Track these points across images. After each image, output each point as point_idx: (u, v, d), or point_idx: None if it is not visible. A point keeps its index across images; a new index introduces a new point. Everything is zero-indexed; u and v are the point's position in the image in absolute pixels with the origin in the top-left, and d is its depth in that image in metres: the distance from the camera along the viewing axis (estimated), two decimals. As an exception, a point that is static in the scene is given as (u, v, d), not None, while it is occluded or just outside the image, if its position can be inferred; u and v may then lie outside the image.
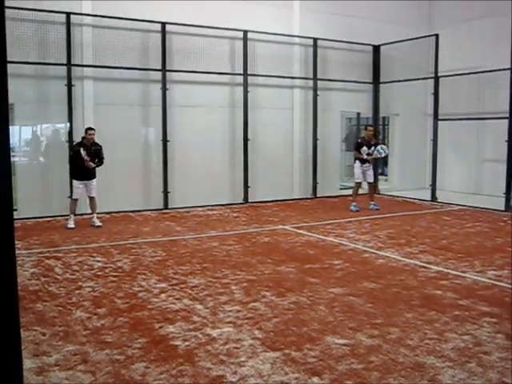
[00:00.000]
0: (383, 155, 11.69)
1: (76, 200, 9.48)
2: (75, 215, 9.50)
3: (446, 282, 6.09)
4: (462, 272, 6.52)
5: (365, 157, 11.29)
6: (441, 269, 6.67)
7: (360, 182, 11.61)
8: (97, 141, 9.48)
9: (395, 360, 3.94)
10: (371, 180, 11.71)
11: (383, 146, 11.79)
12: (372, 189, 11.87)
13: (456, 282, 6.10)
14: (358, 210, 11.21)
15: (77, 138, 10.40)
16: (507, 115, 11.11)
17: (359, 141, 11.65)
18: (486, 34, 12.95)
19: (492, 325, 4.67)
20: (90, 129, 9.44)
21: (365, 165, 11.40)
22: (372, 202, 11.57)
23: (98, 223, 9.50)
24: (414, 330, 4.56)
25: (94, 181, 9.57)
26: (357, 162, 11.48)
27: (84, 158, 9.17)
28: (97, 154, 9.42)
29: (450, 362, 3.90)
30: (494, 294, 5.66)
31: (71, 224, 9.27)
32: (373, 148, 11.32)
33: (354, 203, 11.40)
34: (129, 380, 3.63)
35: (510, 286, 5.91)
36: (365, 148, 11.32)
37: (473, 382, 3.61)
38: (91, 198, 9.61)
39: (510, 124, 11.09)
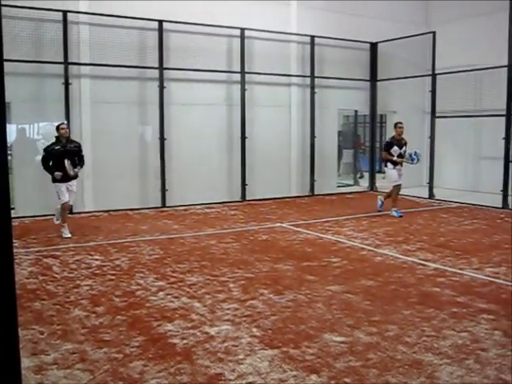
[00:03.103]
0: (415, 163, 10.52)
1: (66, 203, 8.55)
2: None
3: (444, 279, 6.10)
4: (460, 269, 6.53)
5: (394, 158, 10.28)
6: (438, 266, 6.68)
7: (399, 184, 10.50)
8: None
9: (393, 357, 3.95)
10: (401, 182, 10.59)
11: (418, 151, 10.57)
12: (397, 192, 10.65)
13: (454, 279, 6.11)
14: (401, 216, 10.24)
15: (75, 137, 10.39)
16: (504, 112, 11.14)
17: (389, 140, 10.63)
18: (483, 31, 12.95)
19: (489, 322, 4.68)
20: (62, 123, 8.75)
21: (397, 166, 10.38)
22: (395, 208, 10.48)
23: (66, 234, 8.46)
24: (412, 327, 4.57)
25: (75, 182, 8.64)
26: (389, 164, 10.44)
27: (67, 168, 8.32)
28: (76, 152, 8.59)
29: (447, 359, 3.91)
30: (492, 290, 5.67)
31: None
32: (404, 148, 10.42)
33: (395, 208, 10.42)
34: (127, 378, 3.62)
35: (507, 283, 5.93)
36: (396, 148, 10.35)
37: (470, 379, 3.62)
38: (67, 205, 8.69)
39: (507, 121, 11.11)
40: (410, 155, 10.40)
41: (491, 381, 3.58)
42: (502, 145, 11.21)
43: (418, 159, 10.47)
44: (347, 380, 3.60)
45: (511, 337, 4.34)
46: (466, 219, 10.12)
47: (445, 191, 13.07)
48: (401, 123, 10.63)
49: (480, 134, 13.46)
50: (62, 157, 8.39)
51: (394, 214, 10.37)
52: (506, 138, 11.13)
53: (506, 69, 11.06)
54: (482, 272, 6.40)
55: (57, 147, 8.43)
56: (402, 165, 10.40)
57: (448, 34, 13.39)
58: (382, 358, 3.94)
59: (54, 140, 8.53)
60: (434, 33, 12.71)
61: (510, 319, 4.75)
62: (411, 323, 4.65)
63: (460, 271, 6.44)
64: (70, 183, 8.51)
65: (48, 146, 8.53)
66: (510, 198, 11.24)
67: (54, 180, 8.46)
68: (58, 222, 8.74)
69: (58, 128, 8.59)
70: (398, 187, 10.52)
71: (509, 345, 4.17)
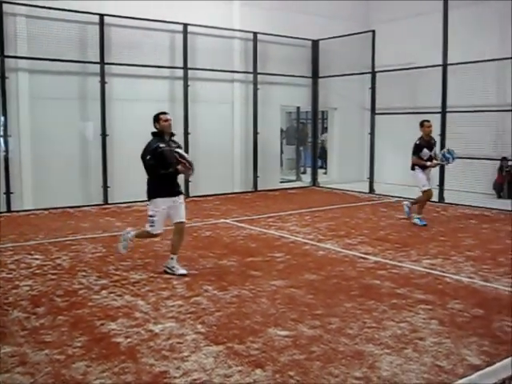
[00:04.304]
0: (452, 161, 9.29)
1: (157, 235, 6.38)
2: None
3: (384, 271, 6.28)
4: (399, 262, 6.74)
5: (428, 164, 9.17)
6: (379, 259, 6.87)
7: (429, 189, 9.35)
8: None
9: (336, 349, 4.05)
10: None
11: (451, 149, 9.40)
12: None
13: (393, 271, 6.30)
14: (425, 224, 9.12)
15: (12, 133, 10.08)
16: (439, 110, 11.53)
17: (418, 142, 9.26)
18: (421, 30, 13.33)
19: (427, 311, 4.87)
20: (163, 113, 6.17)
21: (426, 170, 9.32)
22: (419, 216, 9.34)
23: (180, 270, 6.09)
24: (354, 319, 4.69)
25: (182, 197, 6.35)
26: (416, 167, 9.28)
27: (183, 161, 5.95)
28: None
29: (387, 349, 4.05)
30: (429, 282, 5.89)
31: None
32: (434, 149, 9.36)
33: (419, 216, 9.28)
34: (69, 380, 3.56)
35: (443, 274, 6.17)
36: (426, 151, 9.18)
37: (409, 366, 3.75)
38: (178, 224, 6.24)
39: (443, 118, 11.51)
40: (444, 155, 9.29)
41: (428, 368, 3.73)
42: (437, 141, 11.57)
43: (453, 157, 9.22)
44: (291, 373, 3.66)
45: (446, 325, 4.53)
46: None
47: (385, 186, 13.42)
48: (428, 121, 9.39)
49: (417, 130, 13.82)
50: (171, 159, 6.04)
51: (417, 221, 9.26)
52: (442, 135, 11.51)
53: (441, 68, 11.44)
54: (419, 264, 6.63)
55: (162, 145, 6.08)
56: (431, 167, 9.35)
57: (388, 32, 13.78)
58: (325, 350, 4.03)
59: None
60: (373, 31, 13.02)
61: (445, 308, 4.96)
62: (353, 315, 4.78)
63: (399, 264, 6.64)
64: (175, 198, 6.17)
65: (152, 146, 6.14)
66: (445, 192, 11.64)
67: (154, 195, 6.15)
68: (124, 252, 6.66)
69: (157, 118, 6.13)
70: (427, 193, 9.35)
71: (444, 333, 4.36)
